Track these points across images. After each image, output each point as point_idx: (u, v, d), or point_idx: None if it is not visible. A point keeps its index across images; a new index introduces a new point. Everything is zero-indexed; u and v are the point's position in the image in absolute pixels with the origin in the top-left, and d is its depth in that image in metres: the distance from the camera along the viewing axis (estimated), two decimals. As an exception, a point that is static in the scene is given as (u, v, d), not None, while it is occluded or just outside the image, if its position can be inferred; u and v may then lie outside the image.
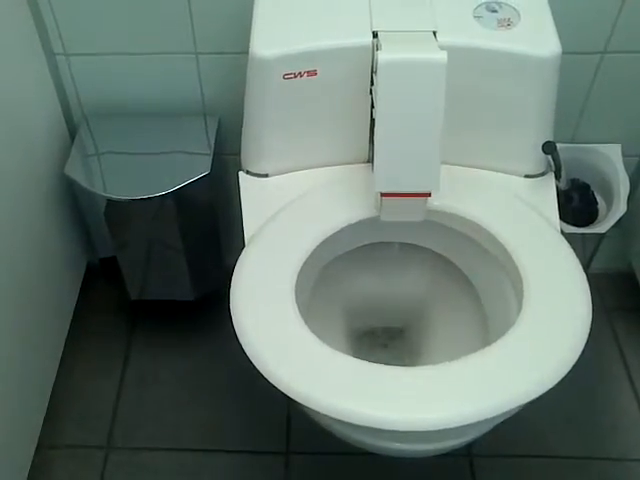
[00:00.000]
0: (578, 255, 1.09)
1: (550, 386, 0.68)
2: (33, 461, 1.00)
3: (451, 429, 0.67)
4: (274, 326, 0.74)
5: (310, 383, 0.69)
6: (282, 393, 0.69)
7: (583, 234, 1.02)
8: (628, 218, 1.06)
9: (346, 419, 0.67)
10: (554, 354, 0.71)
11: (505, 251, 0.81)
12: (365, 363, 0.70)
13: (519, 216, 0.84)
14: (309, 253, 0.80)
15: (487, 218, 0.83)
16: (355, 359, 0.71)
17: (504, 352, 0.71)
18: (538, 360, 0.70)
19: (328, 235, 0.82)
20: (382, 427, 0.66)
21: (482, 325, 0.88)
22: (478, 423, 0.67)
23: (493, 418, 0.67)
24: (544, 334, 0.73)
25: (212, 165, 0.98)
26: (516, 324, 0.73)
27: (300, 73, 0.80)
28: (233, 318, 0.75)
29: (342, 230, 0.84)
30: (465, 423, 0.66)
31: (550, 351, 0.71)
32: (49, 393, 1.07)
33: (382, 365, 0.70)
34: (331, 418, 0.68)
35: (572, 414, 1.11)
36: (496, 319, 0.85)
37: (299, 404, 0.70)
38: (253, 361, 0.71)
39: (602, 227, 1.00)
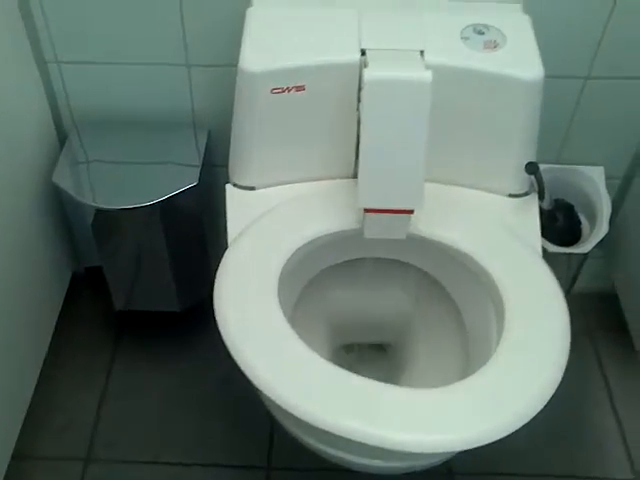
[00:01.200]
0: (563, 275, 1.10)
1: (528, 420, 0.68)
2: (7, 472, 0.98)
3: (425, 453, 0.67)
4: (260, 329, 0.75)
5: (298, 391, 0.69)
6: (262, 402, 0.69)
7: (569, 254, 1.03)
8: (610, 239, 1.07)
9: (322, 427, 0.67)
10: (533, 386, 0.71)
11: (487, 275, 0.81)
12: (348, 374, 0.71)
13: (501, 240, 0.85)
14: (290, 255, 0.81)
15: (468, 242, 0.84)
16: (343, 370, 0.72)
17: (484, 383, 0.71)
18: (517, 393, 0.70)
19: (309, 240, 0.83)
20: (354, 439, 0.66)
21: (464, 344, 0.88)
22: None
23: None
24: (524, 365, 0.73)
25: (200, 176, 0.98)
26: (496, 353, 0.73)
27: (288, 88, 0.81)
28: (217, 318, 0.75)
29: (325, 245, 0.85)
30: (440, 451, 0.67)
31: (529, 383, 0.71)
32: (27, 403, 1.05)
33: (364, 378, 0.71)
34: (312, 427, 0.68)
35: (554, 433, 1.11)
36: (477, 339, 0.86)
37: (273, 407, 0.70)
38: (246, 373, 0.71)
39: (584, 247, 1.01)
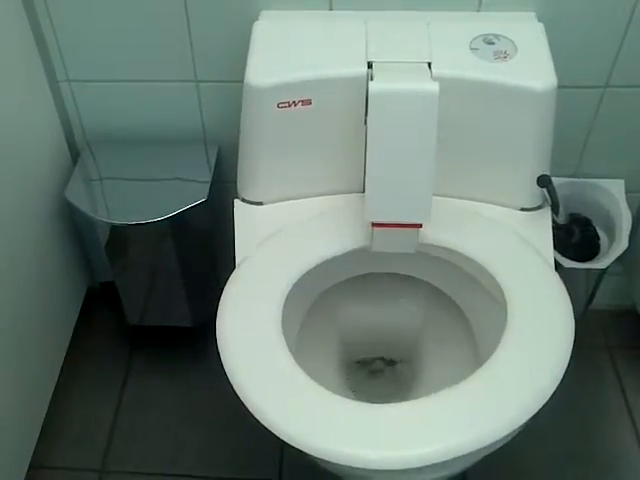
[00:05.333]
0: (581, 290, 1.07)
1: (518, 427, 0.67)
2: (24, 481, 1.00)
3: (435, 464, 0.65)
4: (264, 365, 0.74)
5: (305, 428, 0.69)
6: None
7: (587, 269, 1.00)
8: (631, 255, 1.03)
9: (335, 461, 0.67)
10: (524, 395, 0.70)
11: (492, 280, 0.80)
12: (351, 402, 0.69)
13: (514, 251, 0.83)
14: (296, 282, 0.80)
15: (474, 247, 0.82)
16: (341, 398, 0.70)
17: (479, 387, 0.71)
18: (511, 398, 0.69)
19: (316, 265, 0.82)
20: (358, 465, 0.65)
21: (475, 358, 0.86)
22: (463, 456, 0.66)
23: (475, 452, 0.66)
24: (521, 367, 0.72)
25: (210, 192, 0.98)
26: (492, 358, 0.72)
27: (294, 102, 0.81)
28: (221, 356, 0.75)
29: (335, 260, 0.84)
30: (450, 457, 0.65)
31: (520, 392, 0.70)
32: (44, 415, 1.07)
33: (364, 403, 0.69)
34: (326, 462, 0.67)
35: (572, 451, 1.08)
36: (488, 353, 0.83)
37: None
38: (247, 405, 0.72)
39: (603, 263, 0.98)
